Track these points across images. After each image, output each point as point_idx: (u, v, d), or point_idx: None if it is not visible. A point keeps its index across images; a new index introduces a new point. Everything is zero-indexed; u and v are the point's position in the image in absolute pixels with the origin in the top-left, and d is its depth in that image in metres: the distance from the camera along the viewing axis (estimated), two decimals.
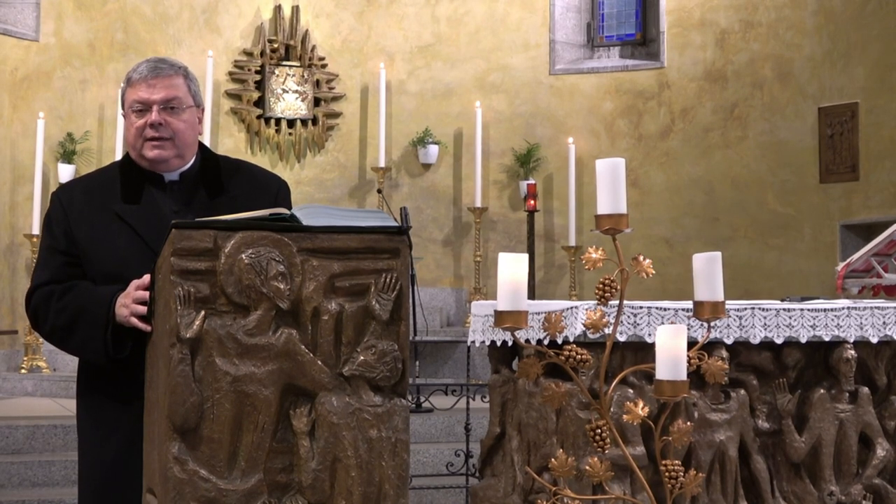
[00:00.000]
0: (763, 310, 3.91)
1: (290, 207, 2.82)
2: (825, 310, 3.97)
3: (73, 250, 2.94)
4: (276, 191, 3.10)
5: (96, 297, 2.83)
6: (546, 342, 3.33)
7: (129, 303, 2.73)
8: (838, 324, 3.97)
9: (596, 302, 2.57)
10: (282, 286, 2.43)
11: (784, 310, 3.93)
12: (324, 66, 9.93)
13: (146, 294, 2.71)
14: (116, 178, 3.02)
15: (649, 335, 3.71)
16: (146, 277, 2.72)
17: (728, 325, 3.86)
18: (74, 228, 2.94)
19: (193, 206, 2.93)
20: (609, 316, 2.61)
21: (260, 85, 9.74)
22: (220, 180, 3.03)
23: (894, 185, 8.23)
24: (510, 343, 4.12)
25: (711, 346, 3.78)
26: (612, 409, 3.41)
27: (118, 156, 8.75)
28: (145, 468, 2.68)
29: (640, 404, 2.60)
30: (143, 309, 2.71)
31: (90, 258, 2.92)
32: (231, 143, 9.61)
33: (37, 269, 3.02)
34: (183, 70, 3.03)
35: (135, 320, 2.72)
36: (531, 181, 9.33)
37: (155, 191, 2.98)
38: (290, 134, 9.78)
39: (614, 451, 3.05)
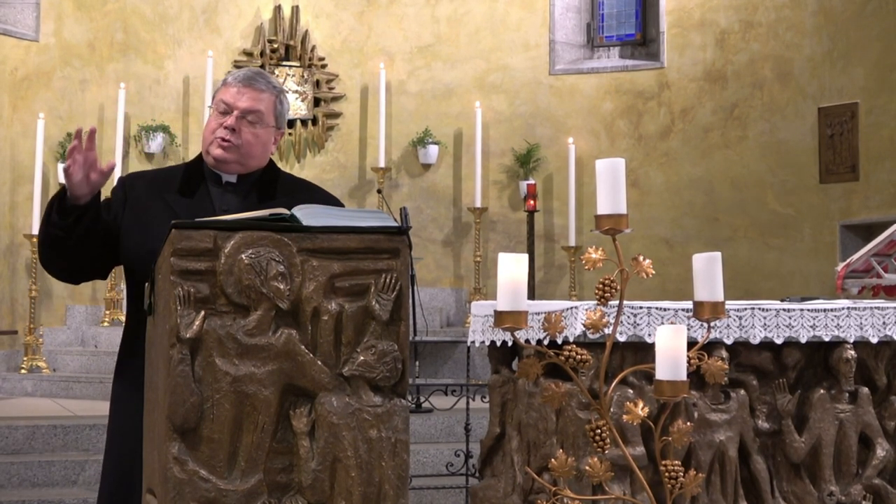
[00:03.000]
0: (763, 310, 3.90)
1: None
2: (825, 310, 3.97)
3: (114, 220, 3.08)
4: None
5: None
6: (546, 342, 3.33)
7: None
8: (838, 324, 3.97)
9: (596, 302, 2.57)
10: (282, 286, 2.43)
11: (784, 310, 3.93)
12: (324, 66, 9.93)
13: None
14: (179, 174, 3.17)
15: (649, 335, 3.71)
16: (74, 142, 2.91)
17: (728, 326, 3.86)
18: (126, 209, 3.08)
19: (244, 207, 3.00)
20: (609, 316, 2.61)
21: None
22: (274, 188, 3.15)
23: (894, 185, 8.23)
24: (510, 343, 4.12)
25: (711, 347, 3.78)
26: (612, 409, 3.42)
27: (118, 156, 8.77)
28: (145, 468, 2.68)
29: (640, 404, 2.60)
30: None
31: (128, 236, 3.04)
32: None
33: None
34: (277, 91, 3.16)
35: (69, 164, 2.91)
36: (531, 181, 9.33)
37: (211, 188, 3.11)
38: (289, 134, 9.78)
39: (614, 451, 3.06)
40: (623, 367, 3.69)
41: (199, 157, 3.19)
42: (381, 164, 9.52)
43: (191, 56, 9.48)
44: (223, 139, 3.07)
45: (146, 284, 2.70)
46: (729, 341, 3.87)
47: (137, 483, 2.85)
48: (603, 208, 2.54)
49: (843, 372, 4.00)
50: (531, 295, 7.79)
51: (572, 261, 9.39)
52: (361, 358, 2.48)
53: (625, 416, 2.62)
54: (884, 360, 4.16)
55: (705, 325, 2.80)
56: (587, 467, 2.61)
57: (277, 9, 9.84)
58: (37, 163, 8.47)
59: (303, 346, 2.45)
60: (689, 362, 2.56)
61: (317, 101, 9.87)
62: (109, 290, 8.80)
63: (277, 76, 9.75)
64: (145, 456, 2.69)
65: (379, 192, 9.43)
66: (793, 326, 3.92)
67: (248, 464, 2.42)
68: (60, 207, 2.97)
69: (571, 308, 3.70)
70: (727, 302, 2.83)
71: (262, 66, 9.71)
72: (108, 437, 3.17)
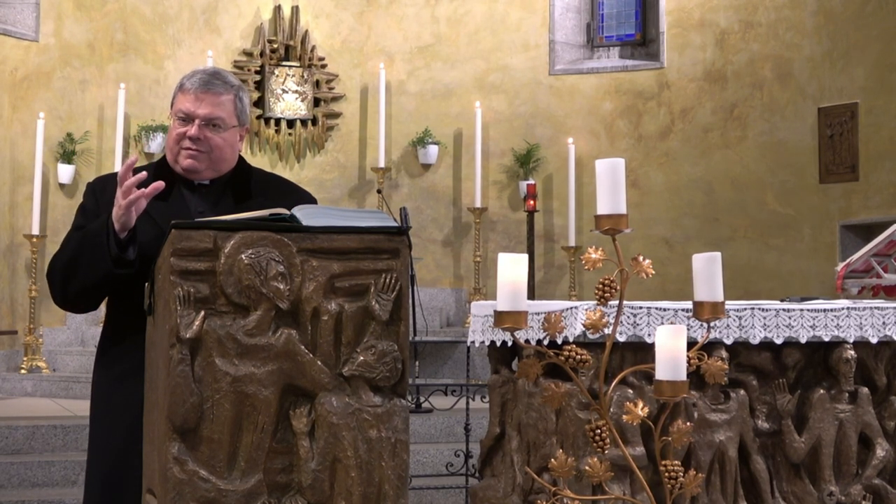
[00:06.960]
0: (763, 310, 3.90)
1: None
2: (825, 310, 3.97)
3: None
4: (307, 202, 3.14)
5: (93, 224, 2.91)
6: (546, 342, 3.33)
7: (120, 200, 2.80)
8: (838, 324, 3.97)
9: (596, 302, 2.57)
10: (281, 286, 2.43)
11: (784, 310, 3.93)
12: (323, 66, 9.93)
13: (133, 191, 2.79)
14: (149, 177, 3.06)
15: (649, 335, 3.71)
16: (125, 168, 2.80)
17: (728, 326, 3.85)
18: (104, 214, 2.96)
19: (219, 209, 2.96)
20: (609, 316, 2.61)
21: (260, 85, 9.74)
22: (248, 187, 3.10)
23: (894, 185, 8.23)
24: (510, 343, 4.12)
25: (711, 347, 3.78)
26: (611, 410, 3.42)
27: (118, 156, 8.78)
28: (145, 468, 2.68)
29: (640, 404, 2.60)
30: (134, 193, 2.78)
31: None
32: None
33: (61, 247, 3.05)
34: (235, 89, 3.07)
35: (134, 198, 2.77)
36: (531, 181, 9.33)
37: (185, 191, 3.05)
38: (289, 134, 9.79)
39: (614, 451, 3.05)
40: (623, 367, 3.69)
41: (166, 159, 3.10)
42: (381, 164, 9.52)
43: (191, 56, 9.47)
44: (189, 149, 3.00)
45: (146, 284, 2.71)
46: (729, 341, 3.86)
47: (126, 478, 2.84)
48: (603, 208, 2.54)
49: (842, 372, 3.99)
50: (531, 295, 7.79)
51: (572, 261, 9.39)
52: (361, 358, 2.48)
53: (625, 416, 2.62)
54: (884, 360, 4.15)
55: (705, 325, 2.80)
56: (587, 467, 2.61)
57: (277, 9, 9.84)
58: (36, 163, 8.47)
59: (303, 346, 2.45)
60: (688, 362, 2.56)
61: (317, 101, 9.87)
62: None
63: (277, 77, 9.75)
64: (145, 456, 2.69)
65: (379, 192, 9.43)
66: (793, 326, 3.92)
67: (248, 464, 2.42)
68: (119, 246, 2.83)
69: (571, 308, 3.69)
70: (727, 302, 2.83)
71: (262, 67, 9.72)
72: (91, 433, 3.07)
